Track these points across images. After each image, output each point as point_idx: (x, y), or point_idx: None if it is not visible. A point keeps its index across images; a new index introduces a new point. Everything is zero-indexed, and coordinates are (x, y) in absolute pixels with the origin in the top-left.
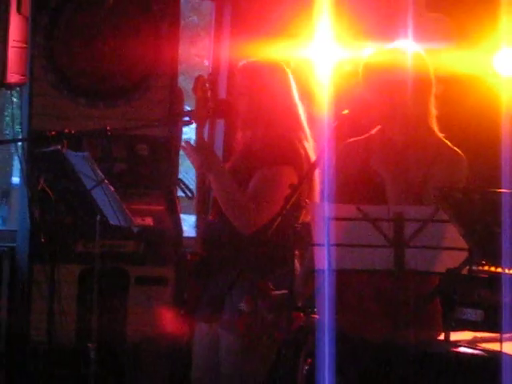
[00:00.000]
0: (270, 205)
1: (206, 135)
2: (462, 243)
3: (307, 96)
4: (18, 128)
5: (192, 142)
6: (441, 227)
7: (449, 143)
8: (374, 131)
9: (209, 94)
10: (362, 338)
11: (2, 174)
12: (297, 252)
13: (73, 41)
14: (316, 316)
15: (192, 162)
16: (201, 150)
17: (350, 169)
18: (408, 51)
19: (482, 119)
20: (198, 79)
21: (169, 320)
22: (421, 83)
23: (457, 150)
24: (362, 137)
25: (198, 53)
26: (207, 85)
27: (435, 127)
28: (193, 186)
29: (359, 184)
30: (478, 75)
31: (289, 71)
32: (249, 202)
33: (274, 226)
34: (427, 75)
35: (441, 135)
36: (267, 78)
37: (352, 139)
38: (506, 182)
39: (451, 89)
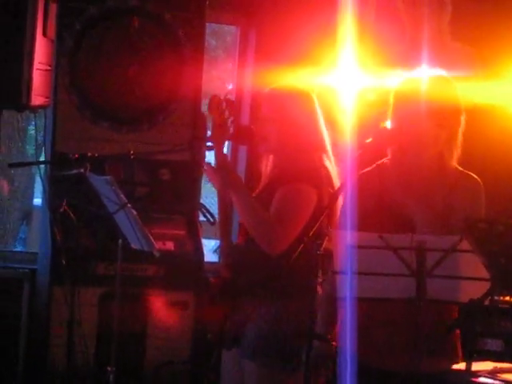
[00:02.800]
0: (293, 221)
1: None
2: (484, 273)
3: (330, 124)
4: (40, 150)
5: (212, 164)
6: (463, 257)
7: (465, 171)
8: (384, 159)
9: (226, 114)
10: (382, 369)
11: (24, 195)
12: (319, 279)
13: (97, 64)
14: (336, 344)
15: (213, 183)
16: (221, 169)
17: (367, 200)
18: (439, 79)
19: (505, 149)
20: (213, 99)
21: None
22: (450, 113)
23: (474, 176)
24: (373, 166)
25: (219, 76)
26: (224, 104)
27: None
28: (213, 210)
29: (379, 215)
30: (501, 106)
31: (314, 97)
32: (271, 220)
33: (298, 251)
34: (458, 105)
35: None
36: (293, 105)
37: (365, 170)
38: None
39: (474, 119)
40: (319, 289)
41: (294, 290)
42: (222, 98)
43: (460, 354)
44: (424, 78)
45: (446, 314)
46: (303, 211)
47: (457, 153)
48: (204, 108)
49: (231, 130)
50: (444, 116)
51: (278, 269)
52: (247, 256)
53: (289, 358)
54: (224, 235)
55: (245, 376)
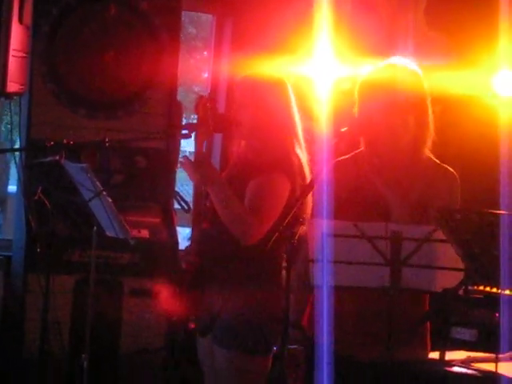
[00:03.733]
0: (269, 213)
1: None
2: (459, 263)
3: (306, 112)
4: (15, 137)
5: (189, 155)
6: (438, 247)
7: (440, 163)
8: (360, 149)
9: (209, 113)
10: (356, 358)
11: None
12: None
13: (73, 51)
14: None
15: (190, 178)
16: (200, 165)
17: (342, 188)
18: (403, 68)
19: (481, 140)
20: (200, 99)
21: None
22: (417, 101)
23: (450, 169)
24: (349, 155)
25: (196, 65)
26: (208, 104)
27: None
28: (189, 198)
29: (354, 203)
30: (477, 95)
31: (288, 85)
32: (248, 212)
33: (272, 240)
34: (422, 92)
35: (431, 155)
36: (266, 91)
37: (340, 158)
38: (505, 203)
39: (449, 109)
40: (283, 273)
41: (263, 276)
42: (207, 97)
43: (429, 343)
44: (389, 68)
45: (419, 303)
46: (277, 202)
47: (429, 140)
48: (180, 97)
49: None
50: (410, 103)
51: (246, 256)
52: (213, 241)
53: (259, 344)
54: (196, 223)
55: (215, 362)
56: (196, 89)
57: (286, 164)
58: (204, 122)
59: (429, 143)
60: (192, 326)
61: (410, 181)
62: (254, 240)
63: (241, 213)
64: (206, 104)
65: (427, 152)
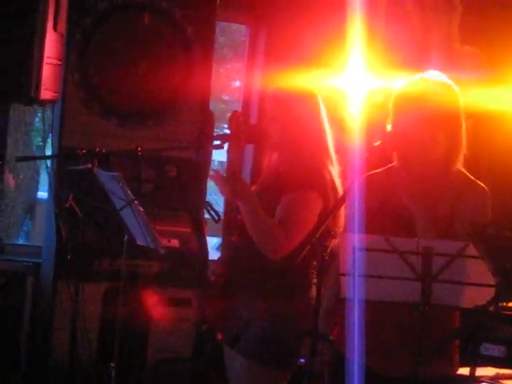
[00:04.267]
0: (298, 230)
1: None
2: (490, 279)
3: (338, 125)
4: (47, 144)
5: (218, 165)
6: (469, 263)
7: (472, 177)
8: (394, 163)
9: (242, 127)
10: (386, 374)
11: (28, 188)
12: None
13: (106, 60)
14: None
15: (221, 191)
16: (230, 179)
17: (373, 201)
18: (437, 82)
19: None
20: (234, 114)
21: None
22: (451, 115)
23: (481, 184)
24: (382, 169)
25: (225, 74)
26: (241, 118)
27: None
28: (219, 207)
29: (382, 216)
30: (509, 110)
31: (319, 97)
32: (277, 228)
33: (303, 254)
34: (456, 106)
35: (463, 169)
36: (297, 104)
37: (372, 172)
38: None
39: (481, 123)
40: (314, 289)
41: (292, 290)
42: (240, 111)
43: (458, 360)
44: (422, 82)
45: (450, 319)
46: (308, 218)
47: (461, 155)
48: (212, 106)
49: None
50: (443, 119)
51: (276, 269)
52: (243, 254)
53: (284, 358)
54: (227, 234)
55: (238, 373)
56: (225, 98)
57: (318, 180)
58: (237, 135)
59: (461, 158)
60: (220, 336)
61: (439, 194)
62: (279, 255)
63: (268, 227)
64: (239, 118)
65: (459, 166)
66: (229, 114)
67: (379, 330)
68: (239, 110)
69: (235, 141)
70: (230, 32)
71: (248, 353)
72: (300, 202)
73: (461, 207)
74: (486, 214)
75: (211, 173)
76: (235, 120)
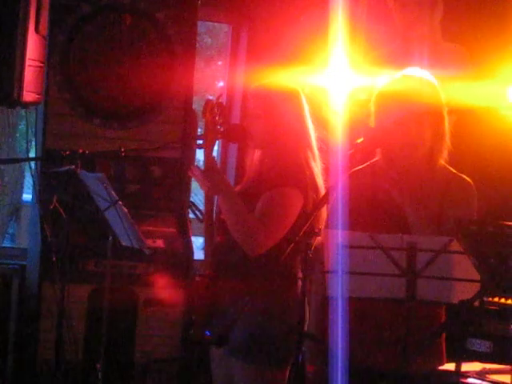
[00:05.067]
0: (278, 227)
1: (219, 158)
2: (474, 274)
3: (321, 123)
4: (31, 146)
5: (202, 164)
6: (454, 258)
7: (456, 172)
8: (376, 158)
9: (217, 117)
10: (371, 369)
11: (13, 190)
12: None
13: (88, 61)
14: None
15: (201, 186)
16: (209, 172)
17: (360, 198)
18: (420, 79)
19: (496, 151)
20: (207, 103)
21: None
22: (433, 112)
23: (466, 178)
24: (365, 164)
25: (211, 74)
26: (216, 109)
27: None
28: (202, 207)
29: (372, 213)
30: (493, 106)
31: (302, 94)
32: (257, 224)
33: (287, 251)
34: (439, 103)
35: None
36: (280, 102)
37: (357, 168)
38: None
39: (465, 119)
40: (299, 284)
41: (278, 288)
42: (214, 101)
43: (444, 354)
44: (405, 79)
45: (435, 314)
46: (287, 215)
47: (446, 150)
48: (195, 106)
49: (221, 130)
50: (426, 114)
51: (261, 267)
52: (228, 253)
53: (276, 356)
54: (209, 234)
55: (234, 374)
56: (210, 97)
57: (299, 177)
58: (212, 127)
59: (445, 154)
60: (206, 336)
61: (427, 191)
62: (259, 251)
63: (248, 222)
64: (213, 109)
65: (443, 162)
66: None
67: (364, 326)
68: (213, 99)
69: (210, 132)
70: (216, 32)
71: (236, 351)
72: (280, 199)
73: (448, 202)
74: (473, 207)
75: (192, 169)
76: (210, 110)
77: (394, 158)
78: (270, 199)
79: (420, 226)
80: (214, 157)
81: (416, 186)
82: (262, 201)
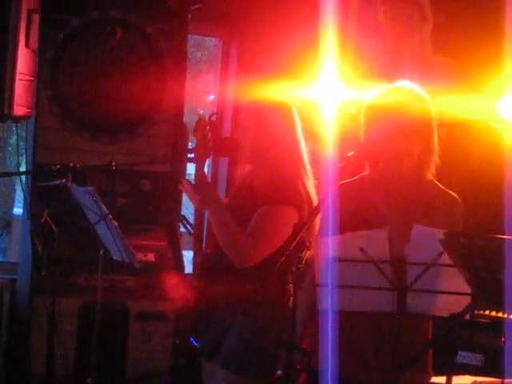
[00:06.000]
0: (268, 242)
1: (209, 172)
2: (465, 287)
3: (312, 136)
4: (21, 160)
5: (192, 178)
6: (444, 271)
7: (443, 187)
8: (365, 173)
9: (209, 135)
10: (360, 381)
11: (4, 204)
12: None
13: (79, 75)
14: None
15: (190, 199)
16: (200, 187)
17: (345, 210)
18: (409, 92)
19: (486, 164)
20: (199, 122)
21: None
22: (422, 125)
23: (452, 193)
24: (353, 178)
25: (201, 88)
26: (208, 127)
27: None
28: (192, 221)
29: (357, 226)
30: (483, 120)
31: (294, 109)
32: (247, 238)
33: (278, 265)
34: (429, 116)
35: (434, 179)
36: (271, 116)
37: (344, 181)
38: (510, 227)
39: (455, 133)
40: (291, 300)
41: (268, 300)
42: (206, 120)
43: (431, 368)
44: (394, 92)
45: (424, 328)
46: (281, 233)
47: (433, 164)
48: (185, 119)
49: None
50: (416, 128)
51: (252, 280)
52: (217, 266)
53: (264, 369)
54: (198, 246)
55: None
56: (201, 111)
57: (294, 194)
58: (202, 144)
59: (432, 168)
60: (196, 348)
61: (413, 204)
62: (246, 264)
63: (237, 235)
64: (205, 127)
65: (430, 176)
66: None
67: (354, 340)
68: (205, 118)
69: (201, 149)
70: (207, 47)
71: (227, 364)
72: (274, 216)
73: (434, 216)
74: (458, 223)
75: (182, 183)
76: (201, 128)
77: (381, 171)
78: (263, 215)
79: (405, 240)
80: (204, 172)
81: (403, 200)
82: (256, 217)
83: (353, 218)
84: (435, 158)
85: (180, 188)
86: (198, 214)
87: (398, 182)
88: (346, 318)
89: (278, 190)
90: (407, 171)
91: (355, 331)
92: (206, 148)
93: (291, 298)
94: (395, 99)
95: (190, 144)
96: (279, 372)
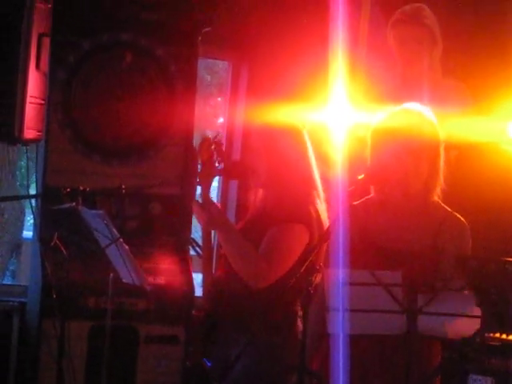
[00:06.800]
0: (282, 260)
1: (219, 195)
2: (475, 310)
3: (322, 159)
4: (31, 183)
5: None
6: (454, 294)
7: (450, 209)
8: (371, 195)
9: (214, 155)
10: None
11: (13, 227)
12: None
13: (89, 98)
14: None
15: (198, 220)
16: (207, 207)
17: (353, 232)
18: (416, 114)
19: (496, 185)
20: (204, 141)
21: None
22: (430, 147)
23: (460, 217)
24: (360, 201)
25: (210, 111)
26: (213, 147)
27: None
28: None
29: (361, 248)
30: (493, 142)
31: (305, 132)
32: (260, 257)
33: (288, 287)
34: (436, 138)
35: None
36: (283, 140)
37: (351, 204)
38: None
39: (465, 155)
40: (300, 323)
41: (277, 323)
42: (212, 139)
43: None
44: (400, 114)
45: (432, 350)
46: (293, 251)
47: (439, 186)
48: (195, 142)
49: (219, 168)
50: (424, 150)
51: (261, 303)
52: (226, 289)
53: None
54: (207, 269)
55: None
56: (209, 134)
57: (305, 214)
58: (208, 165)
59: (438, 190)
60: (205, 365)
61: (420, 226)
62: (262, 284)
63: (251, 255)
64: (210, 147)
65: (436, 198)
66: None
67: (364, 363)
68: (210, 136)
69: (206, 169)
70: (217, 70)
71: None
72: (285, 234)
73: (442, 239)
74: (466, 247)
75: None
76: (206, 147)
77: (388, 193)
78: (275, 235)
79: (412, 262)
80: (209, 192)
81: (409, 221)
82: (268, 236)
83: (361, 241)
84: (441, 180)
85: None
86: (207, 236)
87: (406, 204)
88: (352, 342)
89: (288, 209)
90: (414, 193)
91: (362, 355)
92: (211, 168)
93: (299, 321)
94: (403, 120)
95: (199, 167)
96: None
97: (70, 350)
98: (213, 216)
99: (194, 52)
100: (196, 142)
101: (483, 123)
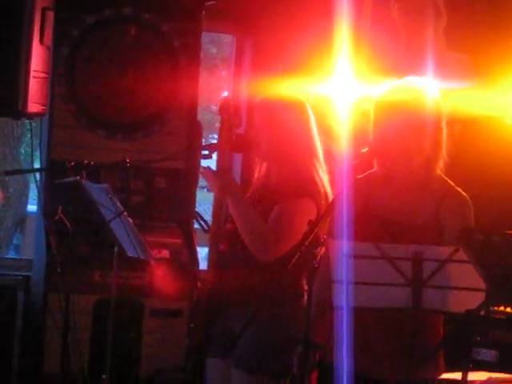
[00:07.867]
0: (289, 236)
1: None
2: (480, 283)
3: (326, 133)
4: (35, 157)
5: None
6: (459, 267)
7: (452, 184)
8: (373, 169)
9: (234, 119)
10: (376, 377)
11: (18, 201)
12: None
13: (93, 72)
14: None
15: (211, 187)
16: (221, 174)
17: (356, 205)
18: (418, 87)
19: (499, 159)
20: (225, 102)
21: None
22: (433, 120)
23: (462, 192)
24: (363, 175)
25: (215, 84)
26: (232, 109)
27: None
28: (207, 218)
29: (366, 222)
30: (497, 116)
31: (308, 105)
32: (268, 230)
33: (292, 261)
34: (438, 112)
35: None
36: (286, 113)
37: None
38: None
39: (469, 128)
40: (305, 296)
41: (282, 297)
42: (230, 99)
43: (443, 365)
44: (402, 87)
45: (435, 324)
46: (301, 224)
47: (442, 160)
48: (199, 116)
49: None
50: (426, 123)
51: (266, 277)
52: (231, 263)
53: (279, 368)
54: (214, 242)
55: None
56: (214, 108)
57: (311, 187)
58: (228, 126)
59: (441, 163)
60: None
61: (423, 200)
62: (270, 257)
63: (259, 228)
64: (230, 108)
65: (439, 172)
66: (217, 124)
67: (368, 336)
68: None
69: (228, 132)
70: (222, 43)
71: (241, 362)
72: (293, 208)
73: (444, 213)
74: (467, 222)
75: (201, 169)
76: (226, 108)
77: (391, 167)
78: (282, 209)
79: (414, 235)
80: (226, 161)
81: (412, 195)
82: (276, 210)
83: (364, 214)
84: (443, 154)
85: (201, 174)
86: (216, 210)
87: (408, 178)
88: (357, 314)
89: (294, 184)
90: (417, 167)
91: (367, 327)
92: (231, 134)
93: (305, 295)
94: (405, 95)
95: (203, 141)
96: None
97: (75, 324)
98: (226, 184)
99: (197, 26)
100: (200, 116)
101: (487, 97)
